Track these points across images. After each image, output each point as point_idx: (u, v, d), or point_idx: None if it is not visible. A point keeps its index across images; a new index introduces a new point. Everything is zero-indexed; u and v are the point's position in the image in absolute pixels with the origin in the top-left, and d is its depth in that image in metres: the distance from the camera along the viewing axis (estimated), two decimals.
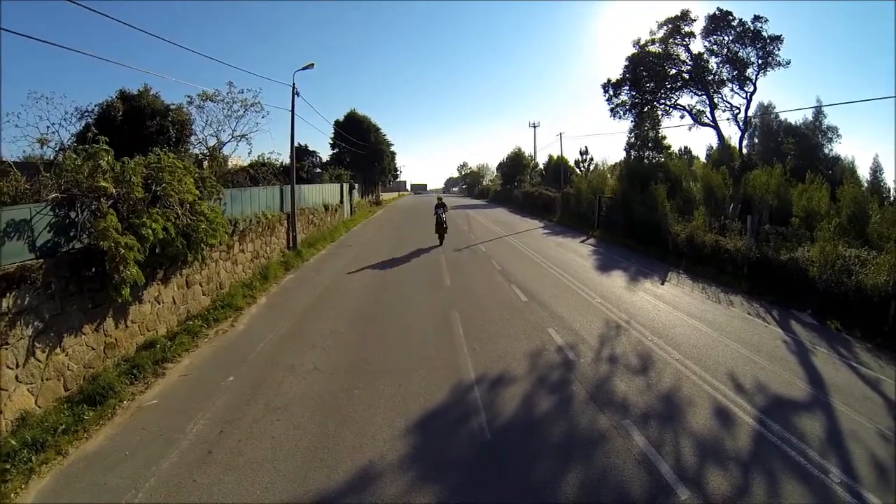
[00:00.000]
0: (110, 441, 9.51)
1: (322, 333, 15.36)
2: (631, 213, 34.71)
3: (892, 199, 33.15)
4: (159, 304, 14.70)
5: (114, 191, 12.09)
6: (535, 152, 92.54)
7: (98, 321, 12.00)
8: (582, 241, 36.58)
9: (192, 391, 11.53)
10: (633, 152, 48.66)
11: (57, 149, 16.93)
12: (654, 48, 44.01)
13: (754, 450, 9.12)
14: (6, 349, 9.38)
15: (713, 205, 32.03)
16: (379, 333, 15.36)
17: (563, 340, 14.46)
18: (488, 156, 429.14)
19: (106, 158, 12.29)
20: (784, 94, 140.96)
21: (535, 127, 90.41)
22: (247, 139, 28.47)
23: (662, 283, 22.40)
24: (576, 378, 12.02)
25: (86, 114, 26.59)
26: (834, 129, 45.45)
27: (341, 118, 73.11)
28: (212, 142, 27.58)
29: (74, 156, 12.26)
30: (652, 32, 43.96)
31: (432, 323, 16.27)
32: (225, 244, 18.90)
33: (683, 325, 16.13)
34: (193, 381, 12.10)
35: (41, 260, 10.43)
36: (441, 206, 34.78)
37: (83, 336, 11.45)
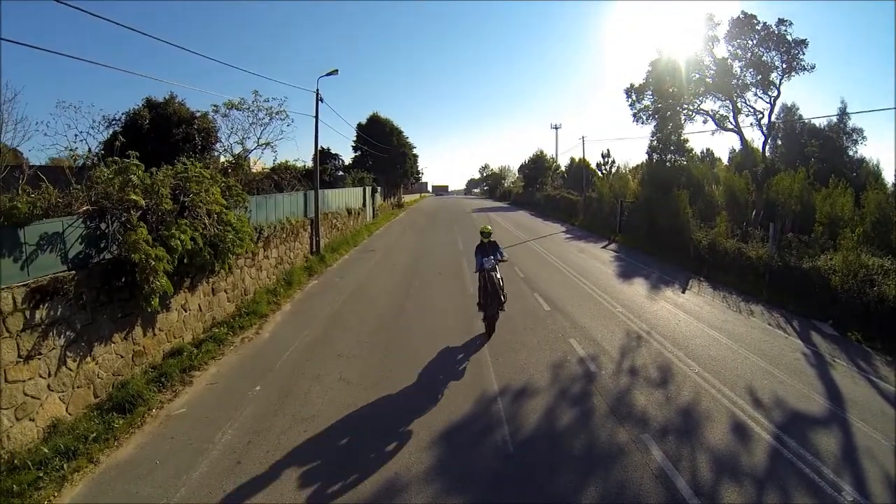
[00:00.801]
0: (141, 449, 9.74)
1: (347, 342, 15.57)
2: (653, 219, 34.66)
3: None
4: (186, 311, 15.01)
5: (143, 203, 12.37)
6: (556, 154, 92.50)
7: (127, 330, 12.31)
8: (604, 247, 36.62)
9: (220, 400, 11.76)
10: (655, 155, 48.47)
11: (85, 156, 17.33)
12: (676, 54, 43.71)
13: (769, 466, 9.20)
14: (39, 359, 9.67)
15: (736, 210, 31.91)
16: (403, 343, 15.51)
17: (584, 352, 14.55)
18: (510, 157, 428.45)
19: (137, 173, 12.58)
20: (808, 94, 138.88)
21: (556, 128, 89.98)
22: (272, 146, 28.84)
23: (683, 292, 22.38)
24: (596, 391, 12.13)
25: (113, 122, 27.13)
26: (859, 131, 44.89)
27: (364, 121, 73.84)
28: (237, 149, 27.97)
29: (106, 169, 12.55)
30: (674, 38, 43.73)
31: (456, 332, 16.42)
32: (250, 251, 19.19)
33: (703, 336, 16.16)
34: (221, 390, 12.33)
35: (73, 272, 10.72)
36: (489, 248, 16.01)
37: (112, 344, 11.76)
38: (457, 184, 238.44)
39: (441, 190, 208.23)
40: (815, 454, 9.55)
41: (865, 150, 44.30)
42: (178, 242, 12.92)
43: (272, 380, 12.85)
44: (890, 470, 9.16)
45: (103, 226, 11.87)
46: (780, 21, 38.34)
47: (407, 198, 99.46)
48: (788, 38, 38.22)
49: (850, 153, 44.58)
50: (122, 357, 12.05)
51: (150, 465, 9.17)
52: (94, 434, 9.79)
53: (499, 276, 15.82)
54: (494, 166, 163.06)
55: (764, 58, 39.14)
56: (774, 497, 8.33)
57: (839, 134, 44.95)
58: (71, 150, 17.74)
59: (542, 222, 57.07)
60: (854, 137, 45.04)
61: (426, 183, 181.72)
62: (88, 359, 10.96)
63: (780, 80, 39.15)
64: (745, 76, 40.23)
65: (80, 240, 11.26)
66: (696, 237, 28.67)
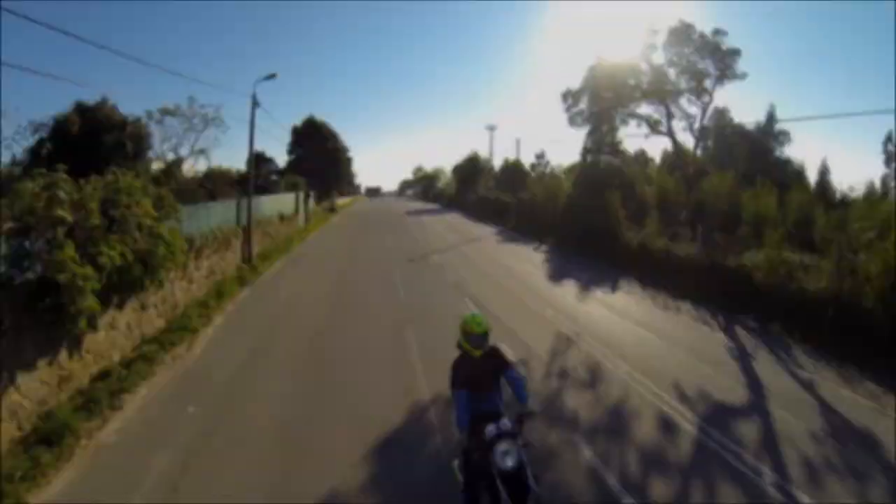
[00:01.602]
0: (71, 486, 9.21)
1: (282, 355, 15.47)
2: (585, 219, 35.01)
3: (838, 200, 34.31)
4: (114, 329, 14.41)
5: (71, 219, 11.92)
6: (491, 155, 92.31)
7: (52, 354, 11.64)
8: (536, 249, 37.44)
9: (152, 424, 11.37)
10: (589, 157, 49.27)
11: (10, 166, 16.75)
12: (614, 60, 44.33)
13: (695, 457, 9.68)
14: None
15: (667, 210, 32.74)
16: (333, 357, 15.38)
17: (514, 356, 14.60)
18: (444, 159, 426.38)
19: (65, 188, 12.10)
20: (738, 96, 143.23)
21: (491, 129, 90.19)
22: (206, 154, 28.44)
23: (613, 292, 23.01)
24: (527, 395, 12.31)
25: (40, 127, 26.10)
26: (785, 134, 46.89)
27: (299, 123, 72.90)
28: (170, 156, 27.45)
29: (31, 183, 12.11)
30: (612, 45, 44.16)
31: (387, 340, 16.54)
32: (182, 264, 18.73)
33: (632, 334, 16.74)
34: (152, 414, 11.91)
35: None
36: (489, 371, 8.24)
37: (37, 371, 11.05)
38: (390, 185, 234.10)
39: (374, 191, 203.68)
40: (737, 442, 10.09)
41: (792, 150, 45.98)
42: (108, 259, 12.47)
43: (206, 399, 12.54)
44: (806, 451, 9.81)
45: (27, 244, 11.35)
46: (716, 31, 39.44)
47: (340, 200, 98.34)
48: (723, 47, 39.37)
49: (777, 154, 46.43)
50: (47, 384, 11.35)
51: (82, 502, 8.76)
52: (21, 472, 9.06)
53: (520, 458, 7.27)
54: (428, 168, 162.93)
55: (699, 65, 40.17)
56: (699, 484, 8.81)
57: (767, 136, 46.70)
58: None
59: (475, 224, 57.73)
60: (781, 139, 46.96)
61: (359, 185, 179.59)
62: (11, 389, 10.24)
63: (714, 86, 40.31)
64: (679, 82, 41.23)
65: (1, 260, 10.73)
66: (627, 237, 29.34)
